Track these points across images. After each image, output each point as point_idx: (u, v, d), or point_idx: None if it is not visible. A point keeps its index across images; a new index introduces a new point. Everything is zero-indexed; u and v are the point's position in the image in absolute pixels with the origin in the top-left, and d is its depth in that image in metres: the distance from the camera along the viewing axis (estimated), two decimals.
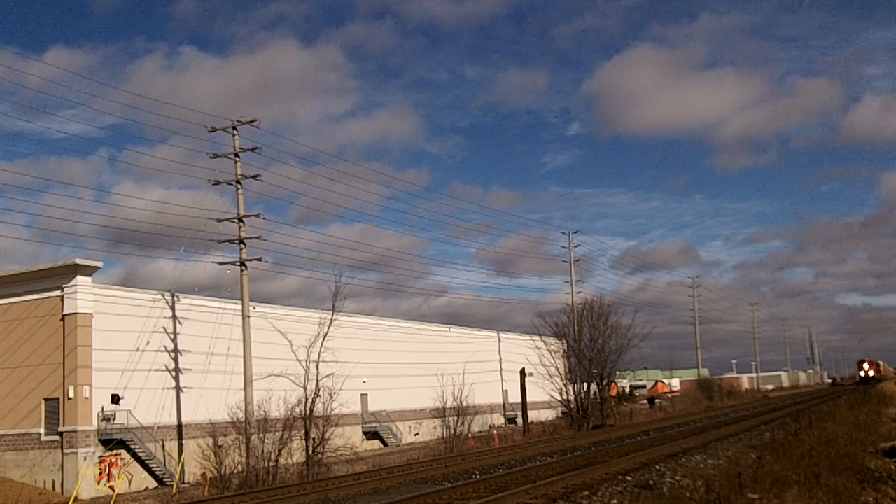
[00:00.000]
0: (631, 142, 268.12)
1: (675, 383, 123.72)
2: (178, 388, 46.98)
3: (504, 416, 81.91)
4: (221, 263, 42.53)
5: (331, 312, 39.00)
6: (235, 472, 34.35)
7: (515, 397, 73.71)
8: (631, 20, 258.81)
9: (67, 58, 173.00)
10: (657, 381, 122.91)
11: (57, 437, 41.97)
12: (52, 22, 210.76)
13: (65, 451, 41.48)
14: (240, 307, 42.71)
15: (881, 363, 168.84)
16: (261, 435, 34.84)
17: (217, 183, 42.77)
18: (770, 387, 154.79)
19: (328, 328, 38.04)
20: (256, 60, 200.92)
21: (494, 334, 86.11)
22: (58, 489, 40.87)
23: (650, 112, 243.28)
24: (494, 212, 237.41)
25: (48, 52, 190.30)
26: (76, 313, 42.54)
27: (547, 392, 62.80)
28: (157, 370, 45.92)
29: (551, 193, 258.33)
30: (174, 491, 37.99)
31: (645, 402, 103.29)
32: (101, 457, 41.97)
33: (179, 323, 47.59)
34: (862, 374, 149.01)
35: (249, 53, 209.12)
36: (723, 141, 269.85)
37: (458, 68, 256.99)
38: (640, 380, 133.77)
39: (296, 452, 36.18)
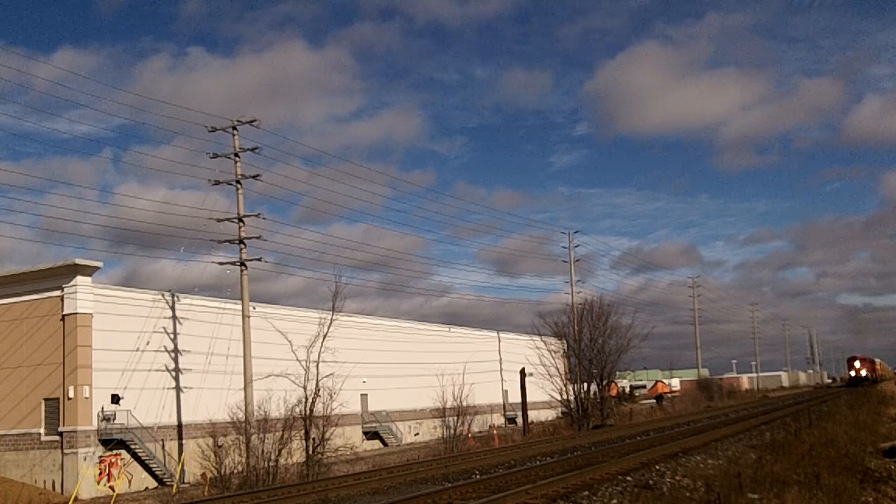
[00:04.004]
0: (635, 141, 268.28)
1: (675, 383, 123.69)
2: (178, 388, 46.98)
3: (504, 416, 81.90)
4: (222, 263, 42.55)
5: (331, 312, 39.01)
6: (235, 472, 34.38)
7: (515, 397, 73.70)
8: (636, 19, 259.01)
9: (74, 58, 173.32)
10: (657, 381, 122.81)
11: (57, 437, 41.97)
12: (59, 22, 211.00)
13: (65, 451, 41.48)
14: (240, 307, 42.72)
15: (878, 361, 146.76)
16: (261, 435, 34.85)
17: (217, 183, 42.79)
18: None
19: (328, 328, 38.05)
20: (264, 61, 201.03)
21: (494, 334, 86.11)
22: (58, 489, 40.87)
23: (655, 111, 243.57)
24: (497, 212, 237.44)
25: (55, 52, 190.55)
26: (76, 313, 42.54)
27: (547, 392, 62.79)
28: (157, 370, 45.92)
29: (557, 194, 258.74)
30: (174, 491, 37.99)
31: (647, 401, 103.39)
32: (101, 457, 41.97)
33: (179, 323, 47.60)
34: (853, 373, 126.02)
35: (257, 54, 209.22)
36: (726, 141, 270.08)
37: (467, 68, 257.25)
38: (640, 380, 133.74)
39: (296, 452, 36.19)
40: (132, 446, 42.84)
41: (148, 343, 45.52)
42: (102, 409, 42.57)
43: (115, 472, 42.15)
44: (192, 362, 47.49)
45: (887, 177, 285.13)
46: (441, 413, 46.33)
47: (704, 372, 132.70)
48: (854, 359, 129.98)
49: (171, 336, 47.13)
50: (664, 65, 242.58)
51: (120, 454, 42.71)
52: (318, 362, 37.20)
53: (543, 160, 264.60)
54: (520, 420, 69.15)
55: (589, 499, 18.81)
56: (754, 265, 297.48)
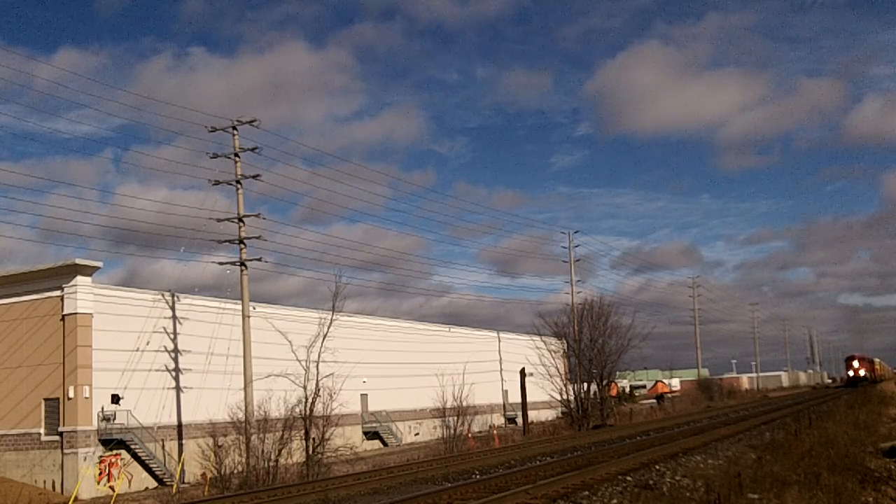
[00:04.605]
0: (636, 141, 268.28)
1: (675, 383, 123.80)
2: (178, 388, 46.98)
3: (504, 416, 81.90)
4: (221, 263, 42.57)
5: (331, 312, 39.01)
6: (235, 472, 34.35)
7: (515, 397, 73.70)
8: (636, 19, 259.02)
9: (75, 58, 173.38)
10: (657, 381, 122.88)
11: (57, 437, 41.97)
12: (59, 22, 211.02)
13: (65, 451, 41.49)
14: (240, 307, 42.72)
15: (877, 361, 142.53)
16: (261, 435, 34.84)
17: (217, 183, 42.80)
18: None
19: (328, 328, 38.06)
20: (265, 61, 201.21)
21: (494, 334, 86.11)
22: (58, 489, 40.87)
23: (655, 111, 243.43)
24: (498, 212, 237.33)
25: (55, 52, 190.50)
26: (76, 313, 42.54)
27: (547, 392, 62.79)
28: (157, 370, 45.92)
29: (558, 194, 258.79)
30: (174, 491, 37.99)
31: (647, 401, 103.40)
32: (101, 457, 41.97)
33: (179, 323, 47.59)
34: (851, 373, 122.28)
35: (258, 54, 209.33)
36: (726, 141, 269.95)
37: (468, 68, 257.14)
38: (640, 380, 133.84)
39: (296, 452, 36.18)
40: (132, 446, 42.84)
41: (148, 343, 45.52)
42: (102, 409, 42.57)
43: (115, 472, 42.15)
44: (192, 362, 47.49)
45: (887, 177, 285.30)
46: (441, 413, 46.31)
47: (704, 372, 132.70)
48: (852, 358, 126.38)
49: (171, 336, 47.13)
50: (664, 65, 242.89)
51: (120, 454, 42.71)
52: (318, 362, 37.21)
53: (544, 160, 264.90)
54: (520, 420, 69.15)
55: (589, 499, 18.82)
56: (754, 265, 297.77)
